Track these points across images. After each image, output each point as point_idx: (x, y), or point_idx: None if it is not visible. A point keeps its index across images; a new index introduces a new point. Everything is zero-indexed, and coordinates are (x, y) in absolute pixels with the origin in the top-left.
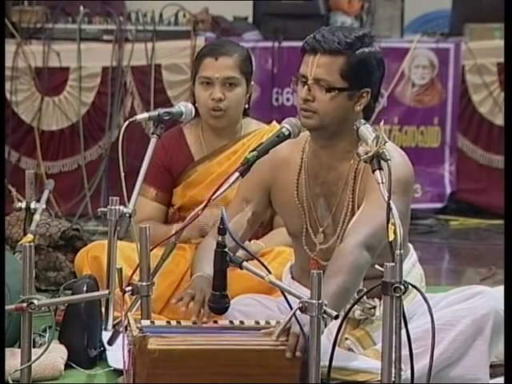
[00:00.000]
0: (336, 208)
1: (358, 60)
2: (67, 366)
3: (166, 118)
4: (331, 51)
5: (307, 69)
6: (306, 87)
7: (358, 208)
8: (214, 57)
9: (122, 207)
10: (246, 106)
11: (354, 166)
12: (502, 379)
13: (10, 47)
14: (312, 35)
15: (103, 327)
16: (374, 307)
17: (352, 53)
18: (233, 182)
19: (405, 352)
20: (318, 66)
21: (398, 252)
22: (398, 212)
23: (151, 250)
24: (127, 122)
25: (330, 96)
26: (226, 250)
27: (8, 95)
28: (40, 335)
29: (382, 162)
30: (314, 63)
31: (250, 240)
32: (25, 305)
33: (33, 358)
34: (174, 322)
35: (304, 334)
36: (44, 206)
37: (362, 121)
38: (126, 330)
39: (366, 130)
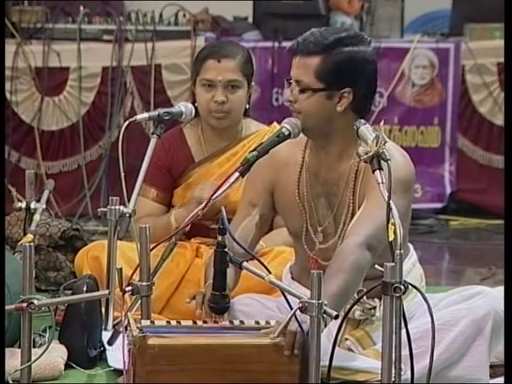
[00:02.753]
0: (337, 208)
1: (335, 61)
2: (67, 366)
3: (166, 117)
4: (307, 53)
5: (292, 71)
6: (289, 88)
7: (359, 208)
8: (217, 59)
9: (122, 207)
10: (247, 106)
11: (354, 166)
12: (501, 379)
13: (10, 47)
14: (297, 38)
15: (103, 327)
16: (374, 307)
17: (327, 54)
18: (233, 182)
19: (405, 352)
20: (298, 67)
21: (397, 252)
22: (398, 212)
23: (151, 249)
24: (127, 122)
25: (305, 96)
26: (226, 249)
27: (8, 95)
28: (40, 335)
29: (382, 161)
30: (295, 65)
31: None
32: (25, 305)
33: (33, 358)
34: (173, 322)
35: (302, 332)
36: (44, 206)
37: (362, 121)
38: (126, 330)
39: (366, 130)
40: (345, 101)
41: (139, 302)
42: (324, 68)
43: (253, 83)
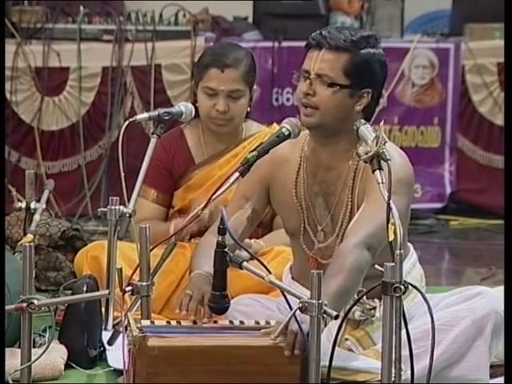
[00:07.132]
0: (335, 207)
1: (362, 59)
2: (67, 366)
3: (166, 117)
4: (336, 47)
5: (311, 64)
6: (307, 81)
7: (358, 208)
8: (220, 69)
9: (122, 207)
10: (248, 109)
11: (353, 165)
12: (501, 379)
13: (10, 47)
14: (318, 32)
15: (103, 327)
16: (374, 308)
17: (357, 51)
18: (233, 182)
19: (405, 352)
20: (322, 61)
21: (397, 252)
22: (398, 212)
23: (151, 249)
24: (127, 122)
25: (331, 91)
26: (226, 250)
27: (8, 95)
28: (40, 335)
29: (381, 162)
30: (318, 58)
31: (249, 238)
32: (25, 305)
33: (33, 358)
34: (173, 322)
35: (302, 332)
36: (44, 206)
37: (362, 121)
38: (126, 330)
39: (366, 129)
40: (364, 101)
41: (139, 301)
42: (353, 65)
43: (254, 86)
